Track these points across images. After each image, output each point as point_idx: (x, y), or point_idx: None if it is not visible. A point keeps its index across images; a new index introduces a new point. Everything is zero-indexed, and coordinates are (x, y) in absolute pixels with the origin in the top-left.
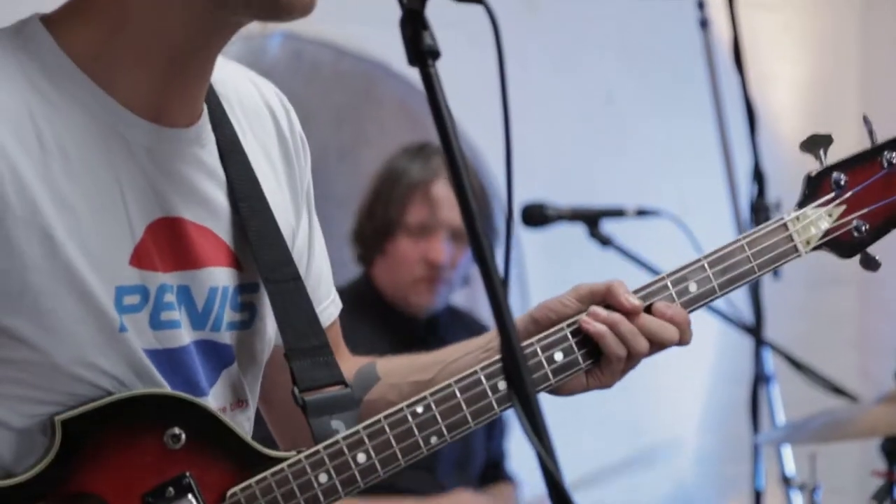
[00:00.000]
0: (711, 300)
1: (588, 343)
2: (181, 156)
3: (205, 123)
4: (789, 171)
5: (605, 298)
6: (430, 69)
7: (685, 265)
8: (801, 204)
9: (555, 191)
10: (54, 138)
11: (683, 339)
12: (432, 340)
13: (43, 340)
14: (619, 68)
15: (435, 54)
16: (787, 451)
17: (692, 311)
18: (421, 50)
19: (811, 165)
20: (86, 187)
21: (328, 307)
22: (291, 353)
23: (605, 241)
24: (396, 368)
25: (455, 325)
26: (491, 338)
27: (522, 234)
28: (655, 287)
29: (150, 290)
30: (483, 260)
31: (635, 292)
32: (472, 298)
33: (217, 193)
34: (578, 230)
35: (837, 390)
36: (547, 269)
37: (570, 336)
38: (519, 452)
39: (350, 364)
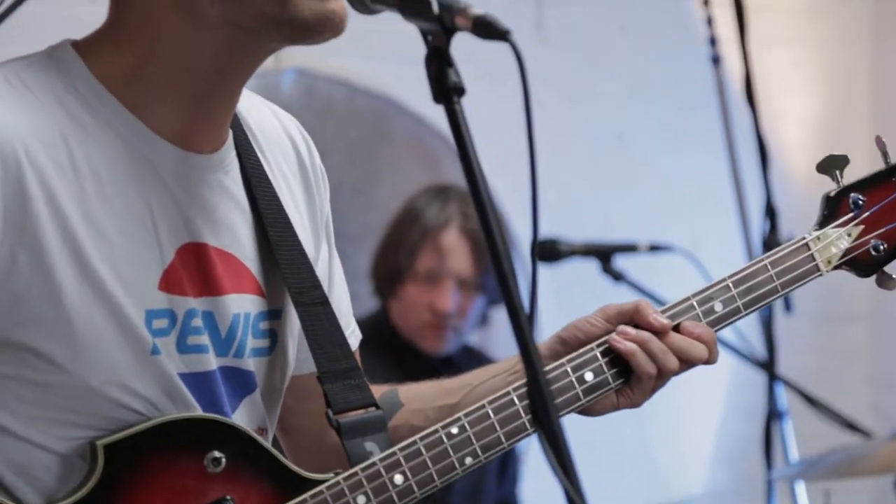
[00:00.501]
0: (737, 319)
1: (618, 362)
2: (206, 182)
3: (229, 149)
4: (800, 206)
5: (633, 318)
6: (455, 106)
7: (710, 285)
8: (821, 224)
9: (567, 226)
10: (87, 161)
11: (712, 358)
12: (448, 377)
13: (77, 363)
14: (630, 104)
15: (460, 91)
16: (801, 488)
17: (718, 330)
18: (446, 87)
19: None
20: (118, 210)
21: (348, 338)
22: (324, 375)
23: (617, 277)
24: (420, 394)
25: (470, 365)
26: (516, 361)
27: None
28: (682, 307)
29: (178, 315)
30: (509, 295)
31: (662, 312)
32: (485, 338)
33: (240, 219)
34: (591, 265)
35: (851, 426)
36: (559, 305)
37: (599, 356)
38: (533, 488)
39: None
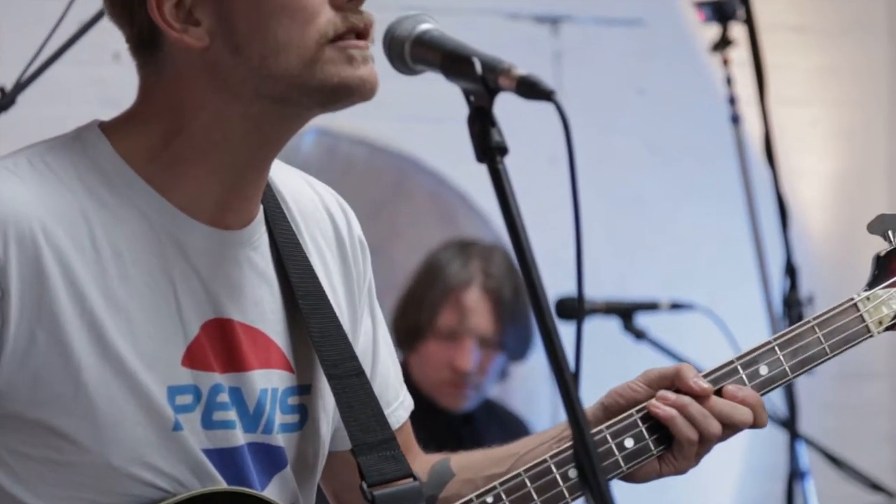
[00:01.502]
0: (784, 383)
1: (659, 428)
2: (233, 257)
3: (259, 224)
4: (818, 264)
5: (675, 382)
6: (498, 165)
7: (754, 348)
8: (871, 284)
9: (587, 284)
10: (108, 240)
11: (759, 422)
12: (467, 433)
13: (98, 442)
14: (648, 164)
15: (503, 150)
16: None
17: (764, 394)
18: (490, 146)
19: (842, 259)
20: (139, 288)
21: (397, 409)
22: (358, 448)
23: (639, 335)
24: (470, 463)
25: (490, 419)
26: (564, 428)
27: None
28: (725, 370)
29: (203, 391)
30: (554, 355)
31: (705, 376)
32: (505, 391)
33: (268, 294)
34: (612, 323)
35: (874, 486)
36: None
37: (640, 422)
38: None
39: (423, 462)
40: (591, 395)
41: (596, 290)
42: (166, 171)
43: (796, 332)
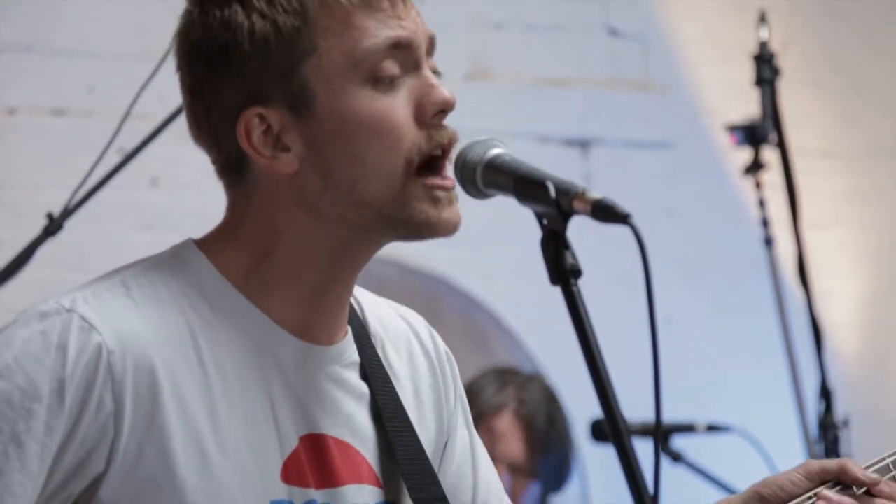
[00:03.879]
0: None
1: None
2: (326, 373)
3: (349, 343)
4: (850, 386)
5: (839, 476)
6: (572, 288)
7: None
8: None
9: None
10: (212, 357)
11: None
12: None
13: None
14: (678, 286)
15: (577, 273)
16: None
17: None
18: (564, 269)
19: (873, 381)
20: (240, 404)
21: None
22: None
23: (675, 457)
24: None
25: None
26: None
27: (586, 448)
28: (878, 466)
29: None
30: (633, 476)
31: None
32: None
33: (359, 411)
34: (647, 445)
35: None
36: (613, 487)
37: None
38: None
39: None
40: None
41: (630, 412)
42: (261, 288)
43: (874, 465)
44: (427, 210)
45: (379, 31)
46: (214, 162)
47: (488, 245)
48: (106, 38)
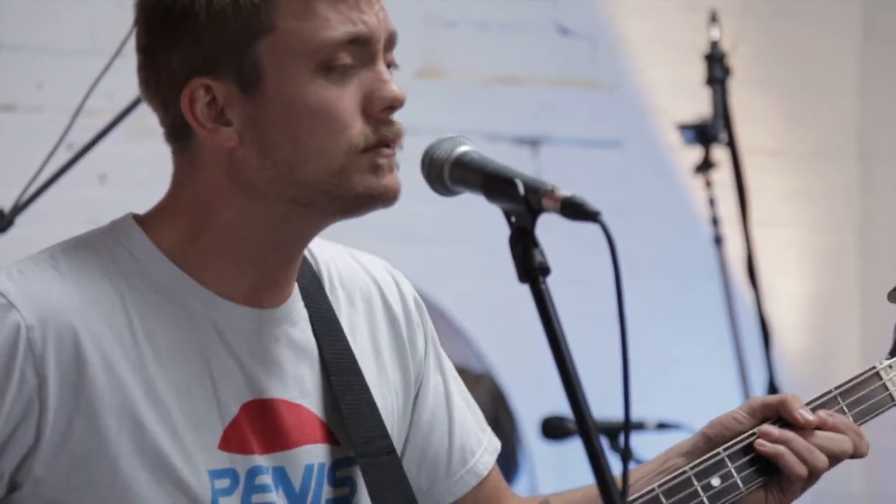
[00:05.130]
0: None
1: (757, 461)
2: (272, 335)
3: (295, 300)
4: (798, 385)
5: (779, 412)
6: (541, 286)
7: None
8: (893, 353)
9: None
10: (145, 328)
11: (859, 450)
12: None
13: None
14: (630, 284)
15: (545, 271)
16: None
17: None
18: (532, 267)
19: (818, 381)
20: (175, 375)
21: (482, 456)
22: None
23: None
24: (574, 501)
25: None
26: (665, 458)
27: (536, 446)
28: (825, 400)
29: (240, 474)
30: (601, 474)
31: (807, 405)
32: None
33: (309, 370)
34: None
35: None
36: (560, 483)
37: (727, 460)
38: None
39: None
40: None
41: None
42: (198, 261)
43: (817, 402)
44: (366, 180)
45: (339, 24)
46: (162, 124)
47: (438, 244)
48: (55, 34)
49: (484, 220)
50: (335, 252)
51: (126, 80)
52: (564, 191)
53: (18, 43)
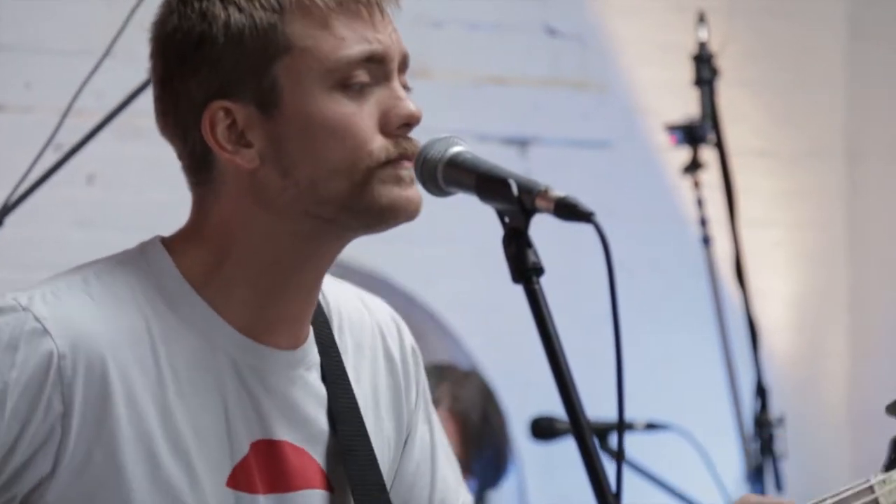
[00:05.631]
0: None
1: None
2: (288, 377)
3: (311, 346)
4: (785, 385)
5: None
6: (534, 286)
7: None
8: (888, 467)
9: (559, 405)
10: (168, 359)
11: None
12: None
13: None
14: (619, 284)
15: (539, 271)
16: None
17: None
18: (525, 267)
19: (807, 380)
20: (192, 406)
21: None
22: None
23: (614, 455)
24: None
25: None
26: None
27: (524, 445)
28: None
29: None
30: (595, 475)
31: None
32: None
33: (318, 415)
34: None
35: None
36: (553, 483)
37: None
38: None
39: None
40: None
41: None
42: (221, 290)
43: None
44: (392, 191)
45: (355, 43)
46: (180, 156)
47: (428, 243)
48: (44, 33)
49: (475, 220)
50: (345, 294)
51: (115, 80)
52: (558, 191)
53: (7, 42)
